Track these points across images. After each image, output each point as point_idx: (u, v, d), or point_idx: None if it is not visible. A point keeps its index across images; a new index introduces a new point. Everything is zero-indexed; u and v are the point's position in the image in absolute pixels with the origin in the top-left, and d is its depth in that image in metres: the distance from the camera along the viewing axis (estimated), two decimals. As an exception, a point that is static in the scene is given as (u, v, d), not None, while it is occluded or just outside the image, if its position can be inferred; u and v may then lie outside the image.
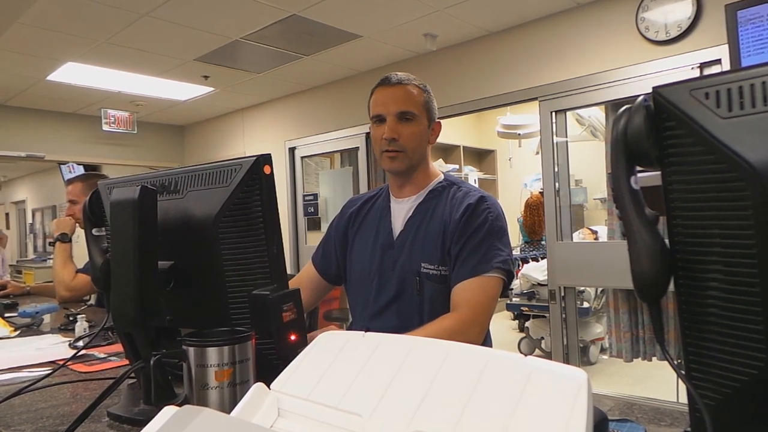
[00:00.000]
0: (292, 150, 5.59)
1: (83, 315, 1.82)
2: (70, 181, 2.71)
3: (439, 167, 5.76)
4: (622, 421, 0.87)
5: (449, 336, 1.22)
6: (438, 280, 1.40)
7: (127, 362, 1.06)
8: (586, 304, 4.39)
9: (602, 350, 4.68)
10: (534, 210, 5.98)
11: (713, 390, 0.55)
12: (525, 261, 5.70)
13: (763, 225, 0.49)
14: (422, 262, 1.42)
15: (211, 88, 5.26)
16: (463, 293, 1.34)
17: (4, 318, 1.99)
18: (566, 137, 3.80)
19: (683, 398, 0.60)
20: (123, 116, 5.79)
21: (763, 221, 0.49)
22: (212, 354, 0.82)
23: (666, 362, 0.60)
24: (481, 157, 7.63)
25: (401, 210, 1.52)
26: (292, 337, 0.91)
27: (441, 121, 1.55)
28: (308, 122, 5.42)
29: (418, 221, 1.47)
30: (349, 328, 1.74)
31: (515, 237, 6.71)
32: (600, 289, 4.46)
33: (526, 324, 4.99)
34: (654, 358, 3.51)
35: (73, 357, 1.33)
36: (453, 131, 6.60)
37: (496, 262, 1.35)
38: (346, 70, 4.85)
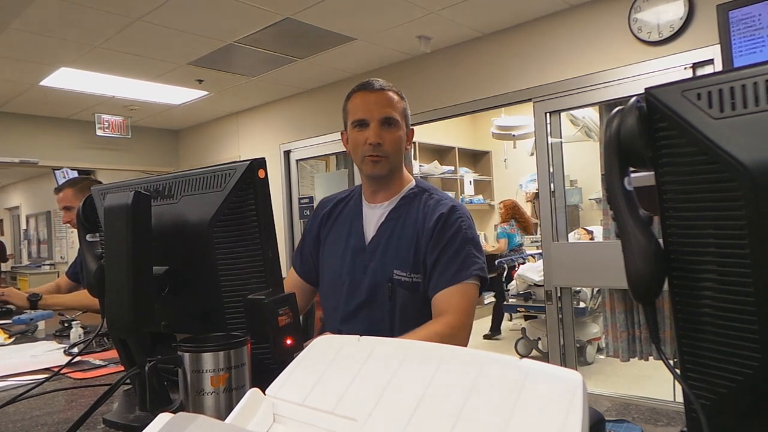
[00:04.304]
0: (287, 153, 5.59)
1: (78, 321, 1.81)
2: (59, 189, 2.68)
3: (435, 169, 5.74)
4: (619, 422, 0.87)
5: (440, 340, 1.23)
6: (409, 287, 1.41)
7: (122, 368, 1.05)
8: (582, 305, 4.40)
9: (599, 350, 4.69)
10: (515, 210, 6.00)
11: (708, 390, 0.56)
12: (513, 268, 5.67)
13: (756, 224, 0.49)
14: (394, 269, 1.43)
15: (205, 92, 5.25)
16: (447, 300, 1.36)
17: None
18: (561, 138, 3.81)
19: (680, 398, 0.60)
20: (117, 121, 5.78)
21: (756, 221, 0.49)
22: (208, 359, 0.82)
23: (662, 362, 0.60)
24: (476, 158, 7.64)
25: (374, 215, 1.52)
26: (288, 342, 0.91)
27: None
28: (303, 125, 5.42)
29: (390, 227, 1.48)
30: (321, 331, 1.74)
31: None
32: (596, 289, 4.47)
33: (523, 325, 4.99)
34: (651, 358, 3.51)
35: (68, 364, 1.33)
36: (448, 133, 6.61)
37: (475, 269, 1.38)
38: (340, 73, 4.85)
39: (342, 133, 1.57)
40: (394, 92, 1.48)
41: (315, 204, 5.40)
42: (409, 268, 1.42)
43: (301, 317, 1.74)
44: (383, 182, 1.51)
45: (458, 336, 1.32)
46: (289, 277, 1.67)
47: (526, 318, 5.17)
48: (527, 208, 6.75)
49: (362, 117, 1.45)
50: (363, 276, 1.47)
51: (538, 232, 4.45)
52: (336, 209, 1.62)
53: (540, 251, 4.27)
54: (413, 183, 1.56)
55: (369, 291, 1.45)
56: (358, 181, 4.95)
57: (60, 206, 2.65)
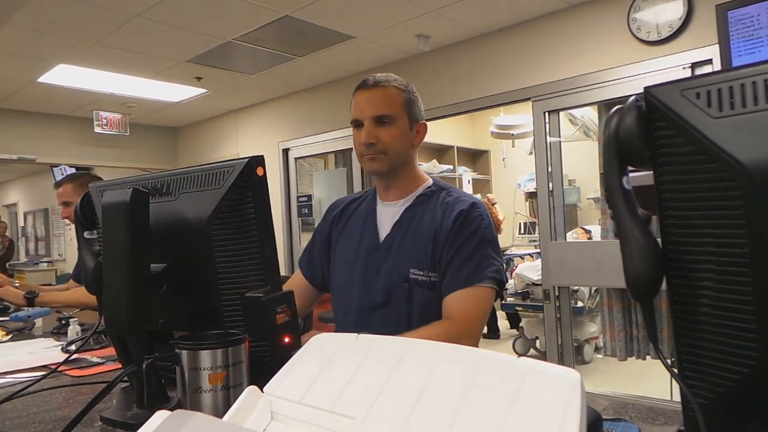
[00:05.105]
0: (285, 151, 5.58)
1: (76, 318, 1.81)
2: (59, 184, 2.68)
3: (433, 168, 5.73)
4: (617, 421, 0.88)
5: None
6: (428, 286, 1.36)
7: (120, 366, 1.05)
8: (580, 304, 4.40)
9: (597, 349, 4.70)
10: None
11: (706, 389, 0.56)
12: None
13: (754, 224, 0.49)
14: (411, 268, 1.38)
15: (204, 90, 5.24)
16: (456, 304, 1.32)
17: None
18: (559, 137, 3.81)
19: (677, 397, 0.60)
20: (115, 118, 5.77)
21: (754, 220, 0.49)
22: (205, 357, 0.82)
23: (660, 361, 0.60)
24: (475, 157, 7.64)
25: (388, 213, 1.48)
26: (286, 339, 0.90)
27: (427, 122, 1.48)
28: (302, 123, 5.41)
29: (406, 225, 1.43)
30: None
31: (509, 237, 6.72)
32: (594, 288, 4.48)
33: (521, 324, 5.00)
34: (648, 357, 3.52)
35: (66, 361, 1.32)
36: (447, 132, 6.60)
37: (490, 271, 1.33)
38: (339, 71, 4.85)
39: None
40: (393, 86, 1.42)
41: (314, 202, 5.40)
42: (426, 266, 1.36)
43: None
44: (391, 178, 1.46)
45: (459, 343, 1.29)
46: (295, 276, 1.64)
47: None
48: (525, 207, 6.75)
49: (356, 117, 1.42)
50: (376, 276, 1.42)
51: (537, 231, 4.44)
52: (348, 209, 1.57)
53: (538, 250, 4.28)
54: (430, 182, 1.50)
55: (384, 292, 1.39)
56: (357, 179, 4.96)
57: (59, 201, 2.65)
